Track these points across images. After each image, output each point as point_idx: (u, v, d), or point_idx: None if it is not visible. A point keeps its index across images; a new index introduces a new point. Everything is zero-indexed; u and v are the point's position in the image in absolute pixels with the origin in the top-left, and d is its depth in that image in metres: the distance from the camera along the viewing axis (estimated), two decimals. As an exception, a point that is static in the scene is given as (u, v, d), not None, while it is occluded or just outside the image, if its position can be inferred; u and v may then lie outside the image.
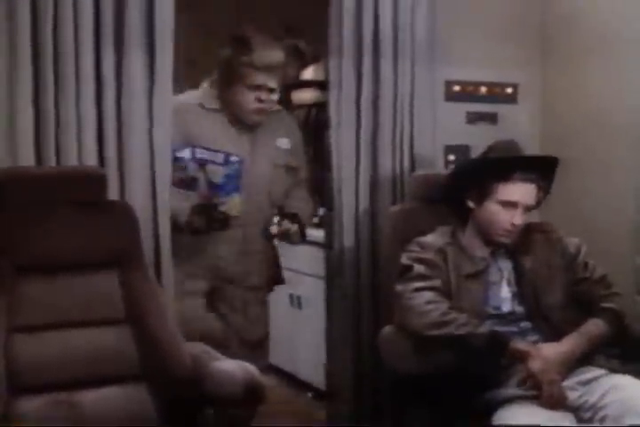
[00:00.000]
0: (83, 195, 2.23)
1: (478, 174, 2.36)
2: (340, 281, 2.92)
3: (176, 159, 2.61)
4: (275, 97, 2.71)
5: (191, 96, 2.79)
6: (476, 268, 2.36)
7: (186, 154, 2.65)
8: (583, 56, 3.19)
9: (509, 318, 2.32)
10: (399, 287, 2.32)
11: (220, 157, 2.65)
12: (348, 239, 2.89)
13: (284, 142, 2.83)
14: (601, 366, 2.25)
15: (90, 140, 2.41)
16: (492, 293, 2.34)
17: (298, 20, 2.77)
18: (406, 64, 2.90)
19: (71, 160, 2.38)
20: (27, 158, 2.34)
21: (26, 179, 2.21)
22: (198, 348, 2.20)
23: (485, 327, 2.21)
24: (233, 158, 2.65)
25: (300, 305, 3.76)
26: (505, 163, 2.36)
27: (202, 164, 2.65)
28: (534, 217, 2.59)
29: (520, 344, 2.18)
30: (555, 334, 2.27)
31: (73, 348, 2.12)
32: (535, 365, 2.14)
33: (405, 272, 2.35)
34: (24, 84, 2.34)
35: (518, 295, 2.35)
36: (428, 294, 2.26)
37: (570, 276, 2.39)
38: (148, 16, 2.46)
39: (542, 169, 2.37)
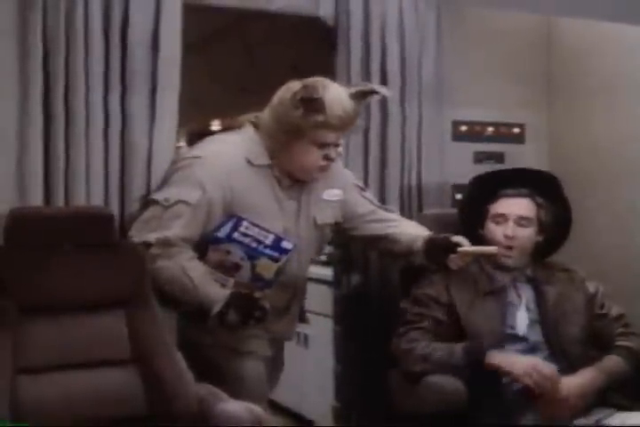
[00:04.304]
0: (90, 235, 2.23)
1: (473, 197, 2.50)
2: (349, 320, 2.92)
3: (217, 240, 2.32)
4: (340, 150, 2.47)
5: (233, 146, 2.40)
6: (494, 286, 2.39)
7: (227, 230, 2.30)
8: (588, 97, 3.22)
9: (524, 344, 2.33)
10: (395, 334, 2.39)
11: (269, 239, 2.31)
12: (356, 278, 2.89)
13: (334, 194, 2.53)
14: (614, 404, 2.24)
15: (98, 181, 2.43)
16: (510, 313, 2.36)
17: (305, 62, 2.79)
18: (414, 105, 2.93)
19: (79, 201, 2.39)
20: (35, 200, 2.36)
21: (33, 219, 2.21)
22: (205, 389, 2.19)
23: (461, 344, 2.24)
24: (285, 245, 2.33)
25: (306, 344, 3.73)
26: (490, 179, 2.50)
27: (251, 255, 2.31)
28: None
29: (495, 358, 2.18)
30: (571, 368, 2.28)
31: (78, 389, 2.10)
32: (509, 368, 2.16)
33: (400, 317, 2.42)
34: (34, 126, 2.36)
35: (539, 323, 2.36)
36: (412, 334, 2.33)
37: (589, 314, 2.41)
38: (154, 57, 2.48)
39: (537, 185, 2.45)
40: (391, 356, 2.38)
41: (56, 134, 2.38)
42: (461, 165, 3.14)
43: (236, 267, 2.32)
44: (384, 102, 2.88)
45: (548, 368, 2.12)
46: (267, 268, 2.32)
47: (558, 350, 2.32)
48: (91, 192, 2.41)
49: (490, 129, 3.26)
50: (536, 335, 2.34)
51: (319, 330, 3.50)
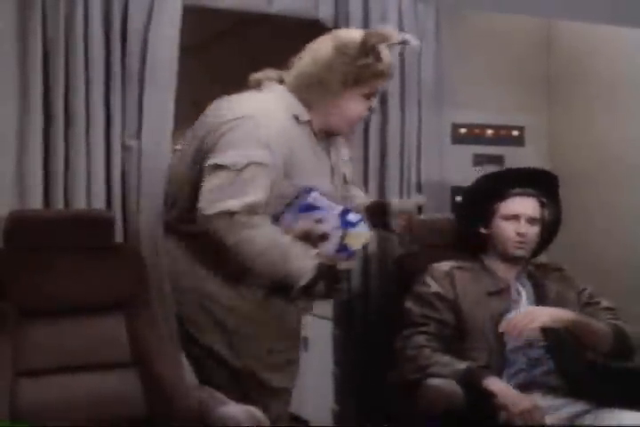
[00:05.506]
0: (90, 238, 2.23)
1: (479, 195, 2.49)
2: (348, 323, 2.92)
3: (309, 207, 2.19)
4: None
5: (274, 103, 2.24)
6: (498, 286, 2.42)
7: (310, 198, 2.20)
8: (588, 99, 3.23)
9: (523, 339, 2.33)
10: (399, 334, 2.38)
11: (337, 211, 2.21)
12: (356, 281, 2.89)
13: (347, 153, 2.49)
14: (592, 397, 2.25)
15: (99, 182, 2.43)
16: (513, 311, 2.36)
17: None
18: (413, 107, 2.93)
19: (79, 202, 2.40)
20: (35, 200, 2.36)
21: (33, 222, 2.21)
22: (205, 392, 2.19)
23: (465, 364, 2.23)
24: (351, 217, 2.22)
25: (306, 347, 3.73)
26: (498, 178, 2.51)
27: (346, 223, 2.20)
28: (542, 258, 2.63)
29: (494, 385, 2.17)
30: (569, 358, 2.31)
31: (78, 392, 2.11)
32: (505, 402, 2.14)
33: (404, 317, 2.41)
34: (34, 127, 2.36)
35: None
36: (417, 339, 2.32)
37: (579, 307, 2.43)
38: (153, 59, 2.48)
39: (541, 185, 2.48)
40: (391, 358, 2.38)
41: (56, 135, 2.38)
42: (461, 167, 3.14)
43: (323, 237, 2.20)
44: (384, 104, 2.89)
45: (540, 416, 2.12)
46: (357, 237, 2.23)
47: (555, 344, 2.33)
48: (91, 194, 2.42)
49: (489, 131, 3.27)
50: (534, 330, 2.34)
51: (319, 333, 3.50)
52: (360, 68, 2.23)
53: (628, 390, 2.30)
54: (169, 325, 2.31)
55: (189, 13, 2.56)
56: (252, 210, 2.10)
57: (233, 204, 2.08)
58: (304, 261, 2.15)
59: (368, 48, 2.22)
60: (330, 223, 2.19)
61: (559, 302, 2.41)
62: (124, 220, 2.46)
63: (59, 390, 2.09)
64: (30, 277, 2.15)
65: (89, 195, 2.41)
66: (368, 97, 2.30)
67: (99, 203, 2.42)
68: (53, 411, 2.05)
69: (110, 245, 2.26)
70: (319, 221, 2.19)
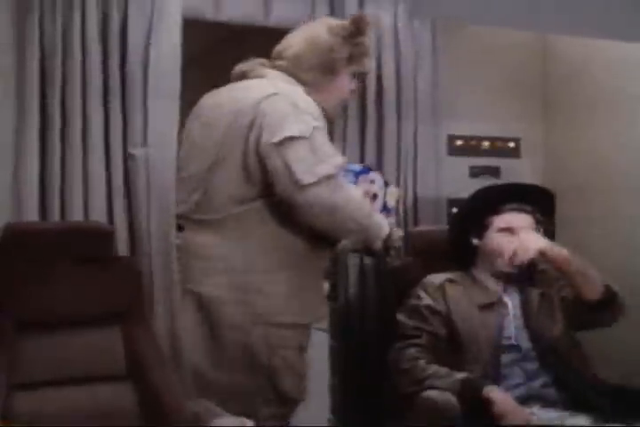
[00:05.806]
0: (87, 250, 2.24)
1: (475, 208, 2.51)
2: (345, 333, 2.92)
3: (364, 170, 2.39)
4: None
5: (285, 86, 2.30)
6: (489, 299, 2.42)
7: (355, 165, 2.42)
8: (585, 110, 3.24)
9: (518, 353, 2.35)
10: (391, 347, 2.40)
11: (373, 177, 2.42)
12: (352, 291, 2.89)
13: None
14: (592, 410, 2.24)
15: (97, 193, 2.43)
16: (506, 324, 2.38)
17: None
18: (409, 119, 2.94)
19: (77, 214, 2.39)
20: (31, 212, 2.36)
21: (30, 234, 2.22)
22: (200, 405, 2.19)
23: (462, 375, 2.23)
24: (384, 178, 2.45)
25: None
26: (495, 192, 2.52)
27: (385, 182, 2.42)
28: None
29: (494, 394, 2.18)
30: (565, 369, 2.32)
31: (73, 405, 2.11)
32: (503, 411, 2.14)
33: (397, 329, 2.43)
34: (30, 138, 2.37)
35: (526, 328, 2.38)
36: (411, 351, 2.34)
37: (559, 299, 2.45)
38: (153, 75, 2.48)
39: (535, 201, 2.50)
40: (386, 370, 2.39)
41: (52, 146, 2.38)
42: (457, 179, 3.15)
43: (374, 197, 2.36)
44: (380, 116, 2.90)
45: None
46: (393, 195, 2.43)
47: (547, 351, 2.34)
48: (89, 205, 2.42)
49: (485, 143, 3.28)
50: (525, 342, 2.37)
51: (315, 343, 3.49)
52: (355, 45, 2.36)
53: (628, 403, 2.29)
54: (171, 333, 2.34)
55: (190, 25, 2.57)
56: (340, 170, 2.22)
57: (327, 168, 2.16)
58: (379, 216, 2.33)
59: (362, 26, 2.34)
60: (379, 182, 2.38)
61: (543, 303, 2.43)
62: (130, 231, 2.45)
63: (54, 403, 2.09)
64: (27, 289, 2.15)
65: (86, 206, 2.41)
66: (353, 76, 2.42)
67: (98, 214, 2.42)
68: (49, 424, 2.05)
69: (107, 258, 2.26)
70: (372, 181, 2.37)
